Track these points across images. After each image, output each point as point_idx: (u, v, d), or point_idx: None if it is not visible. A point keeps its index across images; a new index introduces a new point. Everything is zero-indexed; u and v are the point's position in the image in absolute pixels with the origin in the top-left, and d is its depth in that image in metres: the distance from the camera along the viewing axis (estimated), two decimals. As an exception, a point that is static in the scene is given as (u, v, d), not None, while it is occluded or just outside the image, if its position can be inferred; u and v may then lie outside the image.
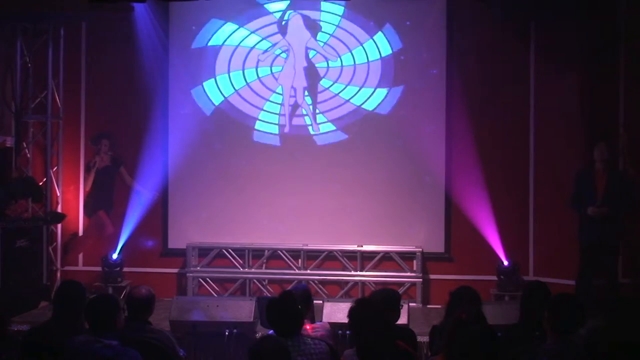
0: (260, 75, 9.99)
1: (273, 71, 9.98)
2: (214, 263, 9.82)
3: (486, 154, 9.50)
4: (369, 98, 9.85)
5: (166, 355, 5.15)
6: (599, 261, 8.44)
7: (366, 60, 9.86)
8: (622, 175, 8.58)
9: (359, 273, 9.58)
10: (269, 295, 9.18)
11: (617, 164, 8.77)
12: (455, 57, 9.68)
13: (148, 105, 9.92)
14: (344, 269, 9.64)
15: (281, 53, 9.97)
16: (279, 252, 9.71)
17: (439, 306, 8.39)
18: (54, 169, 9.97)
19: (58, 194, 9.97)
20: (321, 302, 7.24)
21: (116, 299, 5.01)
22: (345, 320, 4.95)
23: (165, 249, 10.05)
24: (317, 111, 9.94)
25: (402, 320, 6.20)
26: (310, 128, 9.96)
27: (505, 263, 9.29)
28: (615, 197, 8.33)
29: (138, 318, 5.26)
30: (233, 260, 9.71)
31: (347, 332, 5.88)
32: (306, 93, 9.95)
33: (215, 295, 9.57)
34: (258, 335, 6.93)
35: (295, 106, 9.97)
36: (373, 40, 9.85)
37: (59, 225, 9.95)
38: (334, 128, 9.91)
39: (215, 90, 10.00)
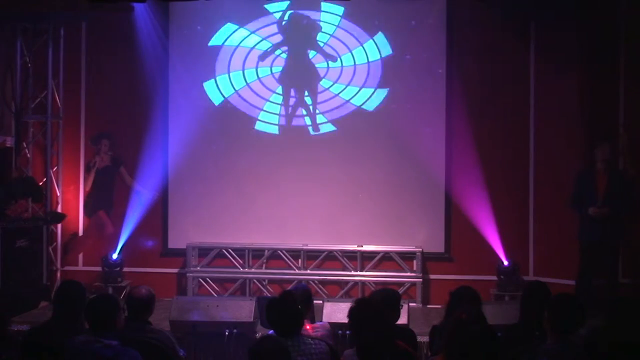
0: (260, 76, 9.99)
1: (273, 71, 9.98)
2: (214, 263, 9.82)
3: (486, 154, 9.50)
4: (369, 98, 9.85)
5: (166, 355, 5.15)
6: (599, 261, 8.44)
7: (366, 61, 9.86)
8: (623, 175, 8.57)
9: (359, 273, 9.58)
10: (269, 295, 9.18)
11: (617, 164, 8.77)
12: (455, 57, 9.68)
13: (148, 105, 9.92)
14: (344, 269, 9.64)
15: (281, 53, 9.97)
16: (279, 252, 9.71)
17: (439, 306, 8.39)
18: (54, 169, 9.97)
19: (58, 194, 9.97)
20: (321, 302, 7.24)
21: (116, 299, 5.01)
22: (345, 320, 4.95)
23: (165, 249, 10.05)
24: (317, 111, 9.94)
25: (402, 320, 6.20)
26: (310, 128, 9.96)
27: (505, 263, 9.29)
28: (616, 197, 8.32)
29: (138, 318, 5.26)
30: (233, 260, 9.71)
31: (347, 332, 5.88)
32: (306, 93, 9.95)
33: (215, 295, 9.57)
34: (258, 335, 6.93)
35: (295, 106, 9.97)
36: (373, 40, 9.85)
37: (59, 225, 9.95)
38: (334, 128, 9.90)
39: (215, 91, 10.00)
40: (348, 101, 9.88)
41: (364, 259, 9.62)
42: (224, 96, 10.00)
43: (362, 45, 9.87)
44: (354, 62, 9.88)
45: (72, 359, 4.56)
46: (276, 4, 9.95)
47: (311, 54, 9.93)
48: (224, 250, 9.76)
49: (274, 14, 9.97)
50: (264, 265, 9.74)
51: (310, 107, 9.95)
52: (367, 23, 9.87)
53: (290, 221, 9.83)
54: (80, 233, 10.12)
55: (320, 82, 9.92)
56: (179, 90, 10.00)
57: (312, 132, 9.95)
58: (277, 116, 9.97)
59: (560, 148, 9.32)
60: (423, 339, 6.54)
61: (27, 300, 8.91)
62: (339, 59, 9.90)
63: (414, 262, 9.50)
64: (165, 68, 9.99)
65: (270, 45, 9.96)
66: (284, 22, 9.95)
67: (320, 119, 9.93)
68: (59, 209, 9.94)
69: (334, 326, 6.20)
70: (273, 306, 4.90)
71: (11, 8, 9.48)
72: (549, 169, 9.46)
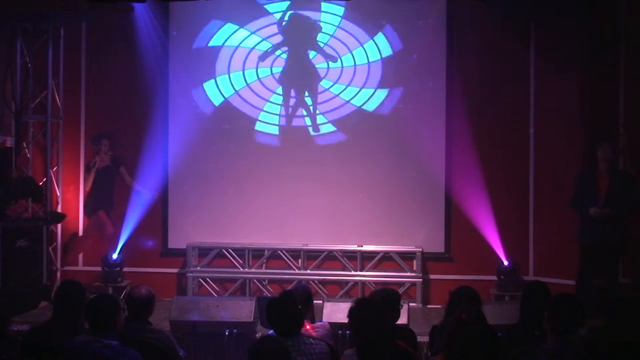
0: (260, 76, 9.99)
1: (273, 72, 9.98)
2: (214, 263, 9.82)
3: (486, 154, 9.50)
4: (369, 99, 9.85)
5: (166, 355, 5.15)
6: (599, 261, 8.44)
7: (366, 61, 9.86)
8: (624, 175, 8.56)
9: (359, 273, 9.58)
10: (269, 295, 9.18)
11: (617, 164, 8.77)
12: (455, 57, 9.68)
13: (148, 105, 9.92)
14: (344, 269, 9.64)
15: (281, 54, 9.97)
16: (279, 252, 9.71)
17: (439, 306, 8.39)
18: (54, 169, 9.97)
19: (58, 194, 9.97)
20: (321, 302, 7.24)
21: (116, 299, 5.01)
22: (345, 320, 4.95)
23: (165, 249, 10.05)
24: (318, 112, 9.94)
25: (402, 320, 6.20)
26: (310, 129, 9.96)
27: (505, 263, 9.28)
28: (618, 198, 8.31)
29: (138, 318, 5.26)
30: (233, 260, 9.71)
31: (347, 332, 5.88)
32: (306, 94, 9.95)
33: (215, 295, 9.57)
34: (258, 335, 6.93)
35: (296, 107, 9.97)
36: (373, 40, 9.85)
37: (59, 225, 9.95)
38: (334, 129, 9.91)
39: (215, 91, 10.00)
40: (348, 101, 9.88)
41: (364, 259, 9.62)
42: (224, 96, 10.00)
43: (362, 45, 9.87)
44: (354, 62, 9.88)
45: (72, 359, 4.56)
46: (276, 4, 9.95)
47: (311, 54, 9.93)
48: (224, 250, 9.76)
49: (274, 14, 9.97)
50: (264, 265, 9.74)
51: (311, 108, 9.95)
52: (367, 23, 9.86)
53: (290, 221, 9.83)
54: (80, 233, 10.12)
55: (321, 83, 9.92)
56: (179, 90, 10.00)
57: (312, 133, 9.95)
58: (277, 116, 9.97)
59: (560, 148, 9.32)
60: (423, 339, 6.54)
61: (27, 300, 8.91)
62: (339, 60, 9.90)
63: (414, 262, 9.50)
64: (165, 68, 9.99)
65: (271, 45, 9.96)
66: (284, 23, 9.95)
67: (320, 119, 9.93)
68: (59, 209, 9.94)
69: (334, 326, 6.20)
70: (273, 306, 4.90)
71: (11, 8, 9.48)
72: (549, 169, 9.46)
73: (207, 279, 9.77)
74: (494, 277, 9.30)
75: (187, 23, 10.04)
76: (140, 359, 4.61)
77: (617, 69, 9.03)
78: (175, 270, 9.97)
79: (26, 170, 9.83)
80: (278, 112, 9.97)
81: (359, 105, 9.87)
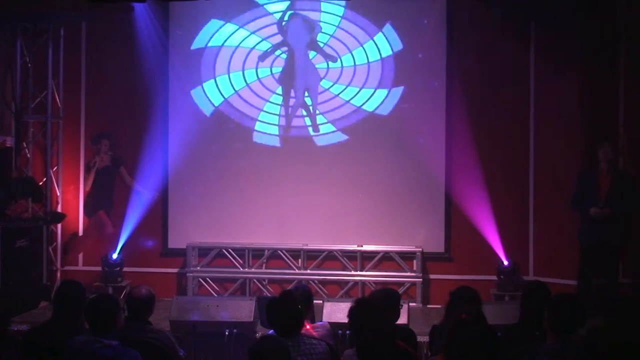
0: (260, 76, 9.99)
1: (273, 72, 9.98)
2: (214, 263, 9.82)
3: (486, 154, 9.50)
4: (369, 99, 9.85)
5: (166, 355, 5.15)
6: (599, 261, 8.43)
7: (366, 61, 9.86)
8: (625, 176, 8.56)
9: (359, 273, 9.58)
10: (269, 295, 9.18)
11: (617, 164, 8.77)
12: (455, 57, 9.68)
13: (148, 105, 9.92)
14: (344, 269, 9.64)
15: (281, 54, 9.97)
16: (279, 252, 9.71)
17: (439, 306, 8.38)
18: (54, 169, 9.97)
19: (58, 194, 9.97)
20: (321, 302, 7.24)
21: (116, 299, 5.01)
22: (345, 320, 4.95)
23: (165, 249, 10.05)
24: (317, 112, 9.94)
25: (402, 320, 6.19)
26: (310, 129, 9.96)
27: (505, 263, 9.28)
28: (618, 198, 8.31)
29: (138, 318, 5.26)
30: (233, 260, 9.71)
31: (347, 332, 5.88)
32: (306, 94, 9.95)
33: (215, 295, 9.57)
34: (258, 335, 6.93)
35: (296, 107, 9.97)
36: (373, 40, 9.85)
37: (59, 225, 9.95)
38: (334, 129, 9.90)
39: (215, 91, 9.99)
40: (348, 102, 9.88)
41: (364, 259, 9.62)
42: (223, 97, 10.00)
43: (362, 45, 9.87)
44: (354, 62, 9.88)
45: (72, 359, 4.56)
46: (276, 4, 9.94)
47: (311, 54, 9.93)
48: (224, 250, 9.76)
49: (274, 14, 9.97)
50: (264, 265, 9.74)
51: (310, 108, 9.95)
52: (367, 23, 9.86)
53: (290, 221, 9.83)
54: (80, 233, 10.12)
55: (321, 83, 9.91)
56: (179, 90, 10.00)
57: (312, 133, 9.95)
58: (277, 117, 9.97)
59: (560, 148, 9.32)
60: (423, 339, 6.54)
61: (27, 300, 8.91)
62: (339, 60, 9.90)
63: (414, 262, 9.50)
64: (165, 68, 9.99)
65: (270, 45, 9.97)
66: (284, 23, 9.95)
67: (320, 119, 9.93)
68: (59, 209, 9.94)
69: (334, 326, 6.19)
70: (273, 306, 4.90)
71: (11, 8, 9.47)
72: (549, 169, 9.46)
73: (207, 279, 9.77)
74: (494, 277, 9.30)
75: (187, 23, 10.04)
76: (140, 359, 4.61)
77: (617, 69, 9.03)
78: (175, 270, 9.97)
79: (26, 170, 9.83)
80: (278, 112, 9.97)
81: (358, 105, 9.87)
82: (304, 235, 9.72)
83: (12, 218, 9.15)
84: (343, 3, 9.69)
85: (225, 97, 10.00)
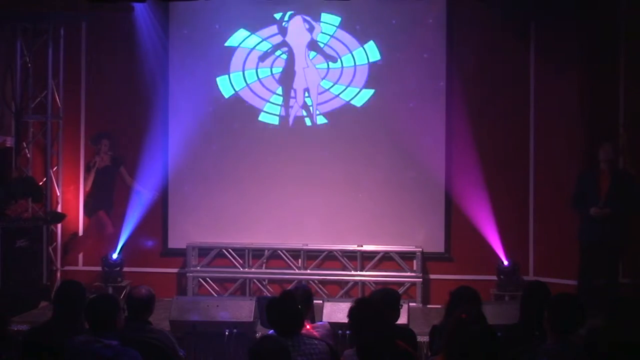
0: (260, 77, 9.99)
1: (273, 72, 9.98)
2: (214, 263, 9.82)
3: (486, 154, 9.50)
4: (369, 99, 9.85)
5: (166, 355, 5.15)
6: (599, 261, 8.43)
7: (366, 61, 9.86)
8: (625, 175, 8.55)
9: (359, 273, 9.58)
10: (269, 295, 9.17)
11: (618, 164, 8.76)
12: (455, 57, 9.68)
13: (148, 105, 9.92)
14: (344, 269, 9.64)
15: (281, 54, 9.97)
16: (279, 252, 9.70)
17: (439, 306, 8.38)
18: (54, 169, 9.97)
19: (58, 194, 9.97)
20: (321, 302, 7.24)
21: (116, 299, 5.01)
22: (345, 320, 4.95)
23: (165, 249, 10.05)
24: (318, 112, 9.94)
25: (402, 320, 6.19)
26: (310, 129, 9.96)
27: (505, 263, 9.29)
28: (619, 198, 8.30)
29: (138, 318, 5.26)
30: (233, 260, 9.71)
31: (347, 332, 5.88)
32: (306, 94, 9.95)
33: (215, 295, 9.57)
34: (258, 335, 6.93)
35: (296, 107, 9.97)
36: (373, 41, 9.85)
37: (59, 225, 9.95)
38: (334, 129, 9.90)
39: (215, 91, 9.99)
40: (348, 102, 9.88)
41: (364, 259, 9.62)
42: (224, 97, 10.00)
43: (362, 46, 9.86)
44: (354, 62, 9.88)
45: (72, 359, 4.56)
46: (278, 14, 9.95)
47: (311, 54, 9.93)
48: (224, 250, 9.75)
49: (275, 15, 9.96)
50: (264, 265, 9.74)
51: (311, 108, 9.95)
52: (368, 23, 9.86)
53: (290, 221, 9.83)
54: (80, 233, 10.12)
55: (321, 83, 9.91)
56: (179, 90, 10.00)
57: (312, 133, 9.94)
58: (277, 117, 9.97)
59: (560, 148, 9.32)
60: (423, 339, 6.53)
61: (27, 300, 8.90)
62: (339, 60, 9.90)
63: (414, 262, 9.50)
64: (166, 68, 9.99)
65: (271, 46, 9.97)
66: (284, 23, 9.95)
67: (320, 119, 9.93)
68: (59, 209, 9.93)
69: (334, 326, 6.19)
70: (273, 306, 4.90)
71: (11, 8, 9.48)
72: (549, 169, 9.46)
73: (207, 279, 9.77)
74: (494, 277, 9.30)
75: (187, 23, 10.03)
76: (140, 359, 4.61)
77: (617, 69, 9.03)
78: (175, 270, 9.97)
79: (26, 170, 9.83)
80: (278, 113, 9.97)
81: (359, 105, 9.87)
82: (304, 235, 9.72)
83: (12, 218, 9.15)
84: (343, 3, 9.67)
85: (226, 97, 10.01)
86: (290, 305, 4.87)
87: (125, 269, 9.70)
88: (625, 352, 4.01)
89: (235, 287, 9.69)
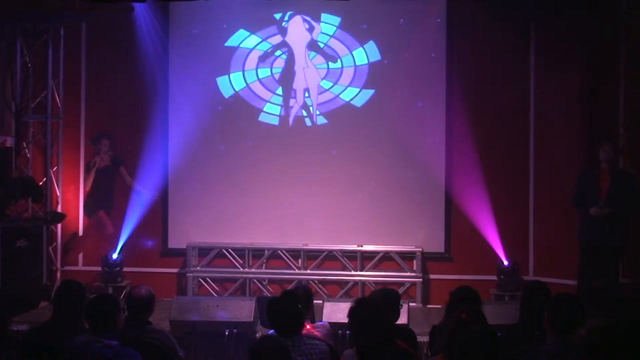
0: (260, 77, 9.99)
1: (273, 72, 9.97)
2: (214, 263, 9.82)
3: (486, 154, 9.50)
4: (369, 99, 9.85)
5: (166, 355, 5.15)
6: (599, 261, 8.43)
7: (366, 62, 9.86)
8: (625, 175, 8.55)
9: (359, 273, 9.58)
10: (269, 295, 9.18)
11: (618, 164, 8.76)
12: (455, 57, 9.68)
13: (148, 105, 9.93)
14: (344, 269, 9.64)
15: (281, 54, 9.97)
16: (279, 252, 9.70)
17: (439, 306, 8.37)
18: (54, 169, 9.97)
19: (58, 194, 9.97)
20: (321, 302, 7.24)
21: (116, 299, 5.00)
22: (345, 320, 4.94)
23: (165, 249, 10.05)
24: (318, 112, 9.94)
25: (402, 320, 6.19)
26: (310, 129, 9.96)
27: (505, 263, 9.29)
28: (619, 198, 8.30)
29: (138, 318, 5.25)
30: (233, 260, 9.71)
31: (347, 332, 5.88)
32: (306, 94, 9.95)
33: (215, 295, 9.57)
34: (258, 335, 6.93)
35: (296, 107, 9.97)
36: (373, 41, 9.85)
37: (59, 225, 9.95)
38: (334, 129, 9.90)
39: (215, 91, 9.99)
40: (348, 102, 9.88)
41: (364, 259, 9.62)
42: (224, 97, 10.01)
43: (362, 46, 9.86)
44: (354, 63, 9.88)
45: (72, 359, 4.56)
46: (278, 14, 9.95)
47: (311, 55, 9.93)
48: (224, 250, 9.75)
49: (275, 15, 9.96)
50: (264, 265, 9.74)
51: (311, 108, 9.95)
52: (367, 23, 9.86)
53: (290, 221, 9.83)
54: (80, 233, 10.12)
55: (321, 83, 9.91)
56: (179, 90, 9.99)
57: (312, 133, 9.94)
58: (277, 117, 9.97)
59: (560, 148, 9.32)
60: (423, 339, 6.53)
61: (27, 300, 8.90)
62: (339, 60, 9.89)
63: (414, 262, 9.50)
64: (166, 68, 9.99)
65: (271, 46, 9.96)
66: (284, 23, 9.95)
67: (320, 119, 9.93)
68: (59, 209, 9.93)
69: (334, 326, 6.19)
70: (274, 306, 4.90)
71: (11, 8, 9.47)
72: (549, 169, 9.46)
73: (207, 279, 9.77)
74: (494, 277, 9.30)
75: (187, 23, 10.03)
76: (140, 359, 4.61)
77: (617, 69, 9.03)
78: (175, 270, 9.97)
79: (26, 170, 9.82)
80: (278, 113, 9.97)
81: (359, 105, 9.87)
82: (304, 235, 9.72)
83: (12, 218, 9.15)
84: (343, 3, 9.66)
85: (226, 97, 10.01)
86: (291, 305, 4.87)
87: (125, 269, 9.70)
88: (625, 352, 4.01)
89: (235, 287, 9.69)
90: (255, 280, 9.72)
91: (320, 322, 5.93)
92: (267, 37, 9.97)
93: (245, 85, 9.99)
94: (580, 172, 8.72)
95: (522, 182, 9.62)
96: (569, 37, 9.22)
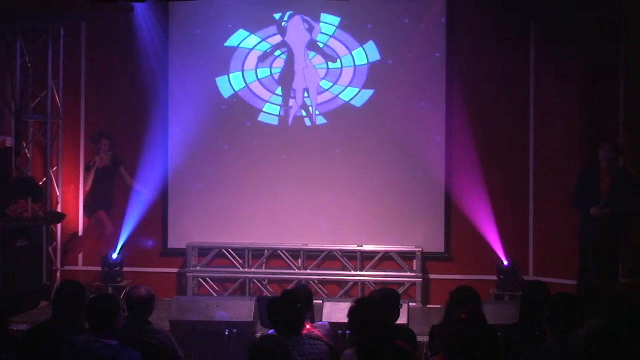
0: (260, 77, 9.99)
1: (273, 72, 9.97)
2: (214, 263, 9.82)
3: (486, 154, 9.50)
4: (369, 99, 9.85)
5: (166, 355, 5.15)
6: (599, 261, 8.43)
7: (366, 62, 9.85)
8: (625, 175, 8.54)
9: (359, 273, 9.58)
10: (269, 295, 9.17)
11: (618, 164, 8.76)
12: (455, 57, 9.68)
13: (148, 105, 9.93)
14: (344, 269, 9.64)
15: (281, 54, 9.96)
16: (279, 252, 9.70)
17: (439, 306, 8.37)
18: (54, 169, 9.97)
19: (58, 194, 9.97)
20: (321, 302, 7.23)
21: (116, 299, 5.00)
22: (345, 320, 4.94)
23: (165, 249, 10.05)
24: (317, 112, 9.94)
25: (402, 320, 6.19)
26: (310, 129, 9.96)
27: (505, 263, 9.29)
28: (619, 198, 8.30)
29: (138, 318, 5.25)
30: (233, 260, 9.71)
31: (347, 332, 5.88)
32: (306, 94, 9.95)
33: (215, 295, 9.57)
34: (258, 335, 6.93)
35: (295, 107, 9.97)
36: (373, 41, 9.85)
37: (59, 225, 9.95)
38: (334, 129, 9.90)
39: (215, 91, 9.99)
40: (348, 102, 9.88)
41: (364, 259, 9.62)
42: (224, 97, 10.01)
43: (362, 46, 9.86)
44: (354, 63, 9.87)
45: (72, 358, 4.56)
46: (277, 14, 9.95)
47: (311, 55, 9.93)
48: (224, 250, 9.75)
49: (274, 15, 9.96)
50: (264, 265, 9.74)
51: (310, 108, 9.95)
52: (367, 23, 9.86)
53: (289, 221, 9.83)
54: (80, 233, 10.12)
55: (320, 83, 9.91)
56: (179, 90, 9.99)
57: (312, 133, 9.94)
58: (277, 117, 9.97)
59: (560, 148, 9.32)
60: (423, 339, 6.54)
61: (27, 300, 8.90)
62: (338, 60, 9.89)
63: (414, 262, 9.50)
64: (166, 68, 9.99)
65: (270, 46, 9.96)
66: (284, 23, 9.95)
67: (320, 120, 9.93)
68: (59, 209, 9.93)
69: (334, 326, 6.18)
70: (275, 306, 4.90)
71: (11, 8, 9.47)
72: (549, 169, 9.46)
73: (207, 279, 9.77)
74: (494, 277, 9.30)
75: (188, 23, 10.03)
76: (140, 359, 4.61)
77: (617, 69, 9.03)
78: (175, 270, 9.97)
79: (26, 170, 9.82)
80: (277, 113, 9.97)
81: (359, 105, 9.87)
82: (304, 235, 9.72)
83: (12, 218, 9.14)
84: (343, 3, 9.66)
85: (225, 97, 10.02)
86: (291, 305, 4.86)
87: (125, 269, 9.71)
88: (625, 352, 4.01)
89: (235, 287, 9.69)
90: (255, 280, 9.72)
91: (320, 322, 5.92)
92: (267, 37, 9.97)
93: (244, 85, 9.99)
94: (580, 172, 8.72)
95: (522, 182, 9.62)
96: (569, 37, 9.22)
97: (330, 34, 9.90)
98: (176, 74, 10.00)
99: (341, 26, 9.88)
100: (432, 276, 9.64)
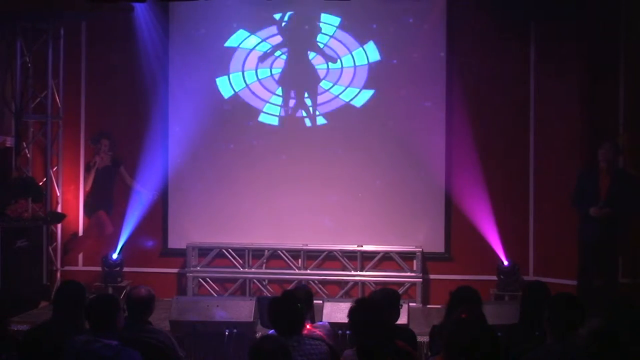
0: (260, 77, 9.99)
1: (273, 73, 9.97)
2: (214, 263, 9.82)
3: (486, 154, 9.50)
4: (369, 99, 9.85)
5: (166, 355, 5.15)
6: (599, 261, 8.43)
7: (366, 62, 9.85)
8: (625, 175, 8.54)
9: (359, 273, 9.58)
10: (269, 295, 9.18)
11: (618, 164, 8.76)
12: (455, 57, 9.68)
13: (148, 105, 9.93)
14: (344, 269, 9.64)
15: (281, 55, 9.96)
16: (279, 252, 9.70)
17: (439, 306, 8.38)
18: (54, 169, 9.97)
19: (58, 194, 9.97)
20: (321, 302, 7.23)
21: (116, 299, 5.00)
22: (345, 320, 4.94)
23: (165, 249, 10.05)
24: (317, 113, 9.94)
25: (402, 320, 6.19)
26: (310, 130, 9.96)
27: (505, 263, 9.29)
28: (618, 198, 8.30)
29: (138, 318, 5.25)
30: (233, 260, 9.71)
31: (347, 332, 5.88)
32: (306, 95, 9.95)
33: (215, 295, 9.57)
34: (258, 335, 6.93)
35: (295, 108, 9.97)
36: (373, 41, 9.85)
37: (59, 225, 9.95)
38: (334, 129, 9.90)
39: (215, 91, 9.99)
40: (348, 102, 9.88)
41: (364, 259, 9.62)
42: (223, 97, 10.01)
43: (362, 46, 9.86)
44: (354, 63, 9.87)
45: (72, 359, 4.56)
46: (277, 14, 9.95)
47: (311, 55, 9.93)
48: (224, 250, 9.75)
49: (274, 15, 9.96)
50: (264, 265, 9.74)
51: (310, 109, 9.95)
52: (367, 23, 9.86)
53: (289, 221, 9.82)
54: (80, 233, 10.12)
55: (320, 84, 9.91)
56: (179, 90, 9.99)
57: (312, 133, 9.94)
58: (277, 117, 9.97)
59: (560, 148, 9.32)
60: (423, 339, 6.54)
61: (27, 300, 8.90)
62: (338, 60, 9.89)
63: (414, 262, 9.50)
64: (166, 68, 9.99)
65: (270, 46, 9.96)
66: (284, 24, 9.95)
67: (320, 120, 9.93)
68: (59, 209, 9.93)
69: (334, 326, 6.18)
70: (275, 306, 4.90)
71: (11, 8, 9.47)
72: (549, 169, 9.46)
73: (207, 279, 9.77)
74: (494, 277, 9.30)
75: (188, 23, 10.03)
76: (140, 359, 4.61)
77: (617, 69, 9.03)
78: (175, 270, 9.97)
79: (26, 170, 9.82)
80: (277, 113, 9.97)
81: (358, 105, 9.87)
82: (304, 235, 9.72)
83: (12, 218, 9.14)
84: (343, 3, 9.66)
85: (225, 97, 10.01)
86: (292, 305, 4.86)
87: (125, 269, 9.71)
88: (625, 352, 4.01)
89: (235, 287, 9.69)
90: (255, 280, 9.72)
91: (320, 322, 5.93)
92: (267, 38, 9.97)
93: (244, 85, 9.99)
94: (580, 172, 8.72)
95: (522, 182, 9.62)
96: (569, 37, 9.22)
97: (330, 34, 9.91)
98: (176, 74, 10.00)
99: (341, 26, 9.88)
100: (432, 276, 9.64)
